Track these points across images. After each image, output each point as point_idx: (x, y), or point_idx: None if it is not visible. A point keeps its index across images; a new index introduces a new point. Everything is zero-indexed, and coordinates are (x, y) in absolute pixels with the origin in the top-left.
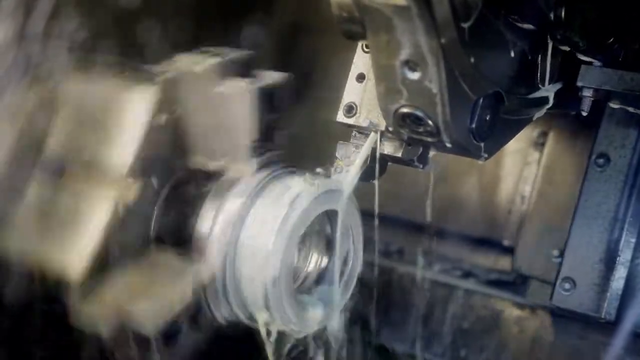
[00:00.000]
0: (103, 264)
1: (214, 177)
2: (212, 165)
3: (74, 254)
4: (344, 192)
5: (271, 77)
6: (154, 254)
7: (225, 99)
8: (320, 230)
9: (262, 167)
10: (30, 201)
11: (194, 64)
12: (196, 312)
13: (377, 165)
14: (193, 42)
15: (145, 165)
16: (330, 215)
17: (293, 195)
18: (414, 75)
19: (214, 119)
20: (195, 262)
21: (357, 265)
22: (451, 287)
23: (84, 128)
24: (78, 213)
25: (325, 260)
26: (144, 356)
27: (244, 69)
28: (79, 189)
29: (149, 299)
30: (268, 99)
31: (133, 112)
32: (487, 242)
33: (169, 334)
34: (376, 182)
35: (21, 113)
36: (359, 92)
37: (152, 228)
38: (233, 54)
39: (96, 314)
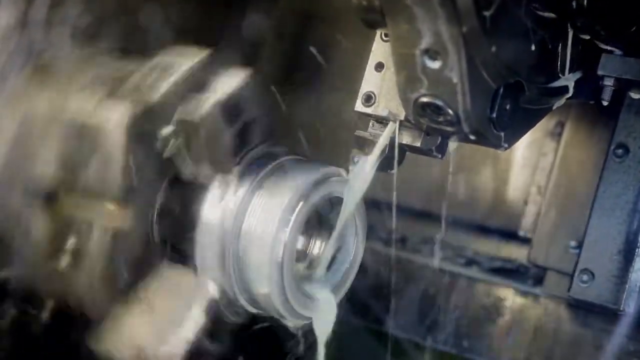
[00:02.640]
0: (112, 292)
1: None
2: (200, 178)
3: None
4: (359, 181)
5: (230, 82)
6: (161, 268)
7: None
8: (323, 217)
9: (246, 170)
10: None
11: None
12: (212, 323)
13: (395, 155)
14: (197, 30)
15: (131, 189)
16: (333, 203)
17: (297, 183)
18: (435, 64)
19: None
20: (202, 276)
21: (359, 251)
22: (461, 276)
23: (68, 150)
24: (76, 244)
25: (328, 248)
26: None
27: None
28: (71, 218)
29: (166, 337)
30: (233, 108)
31: (112, 137)
32: (502, 233)
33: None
34: (394, 172)
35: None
36: (378, 81)
37: (152, 239)
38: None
39: (116, 349)
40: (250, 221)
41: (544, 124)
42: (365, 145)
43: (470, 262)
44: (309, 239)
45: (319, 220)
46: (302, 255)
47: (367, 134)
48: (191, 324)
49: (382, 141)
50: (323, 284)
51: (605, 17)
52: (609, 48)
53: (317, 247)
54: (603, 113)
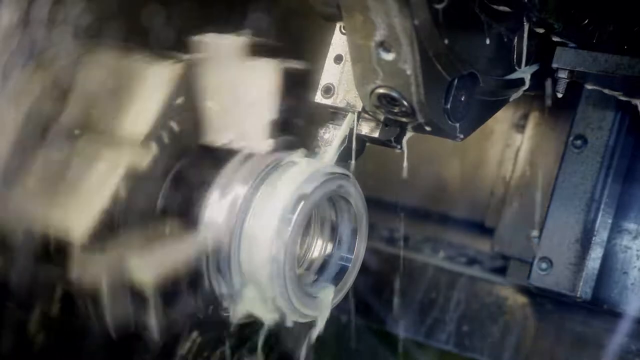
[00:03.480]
0: (108, 227)
1: (227, 156)
2: (227, 144)
3: (80, 213)
4: (349, 177)
5: (292, 63)
6: (159, 223)
7: (252, 75)
8: (324, 217)
9: (275, 149)
10: (40, 164)
11: (223, 42)
12: (197, 281)
13: (354, 146)
14: (198, 27)
15: (160, 137)
16: (334, 202)
17: (298, 182)
18: (389, 56)
19: (238, 96)
20: (198, 234)
21: (360, 251)
22: (431, 266)
23: (102, 100)
24: (88, 176)
25: (329, 247)
26: (140, 313)
27: (267, 53)
28: (91, 153)
29: (148, 254)
30: (290, 83)
31: (153, 86)
32: (469, 224)
33: (168, 295)
34: (352, 162)
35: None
36: (337, 73)
37: (159, 199)
38: (257, 38)
39: (97, 269)
40: (252, 220)
41: (509, 116)
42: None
43: (432, 251)
44: (310, 238)
45: (320, 220)
46: (303, 255)
47: (331, 125)
48: (175, 256)
49: (341, 132)
50: (324, 282)
51: (558, 11)
52: (563, 41)
53: (318, 246)
54: (565, 105)
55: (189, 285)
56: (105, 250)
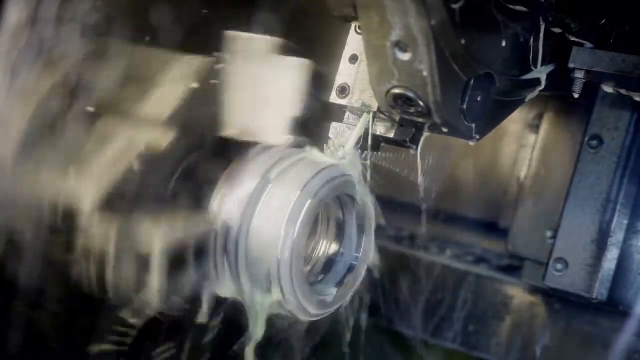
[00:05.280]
0: (118, 198)
1: (241, 150)
2: (246, 137)
3: (91, 183)
4: (355, 177)
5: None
6: (169, 205)
7: (279, 73)
8: (331, 216)
9: (291, 146)
10: (58, 140)
11: (251, 39)
12: (202, 257)
13: (369, 146)
14: (209, 26)
15: (181, 123)
16: (342, 201)
17: (306, 180)
18: (405, 57)
19: (263, 91)
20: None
21: (368, 251)
22: (444, 267)
23: (124, 86)
24: (104, 150)
25: (336, 246)
26: (143, 275)
27: (291, 53)
28: (110, 130)
29: (157, 224)
30: (312, 83)
31: (178, 76)
32: (483, 224)
33: (173, 260)
34: (368, 162)
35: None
36: (352, 73)
37: (172, 183)
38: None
39: (104, 236)
40: (259, 221)
41: (524, 116)
42: (340, 136)
43: (443, 251)
44: (317, 237)
45: (327, 219)
46: (309, 253)
47: (343, 124)
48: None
49: (356, 132)
50: (331, 282)
51: (575, 11)
52: (579, 41)
53: (325, 245)
54: (580, 106)
55: (194, 265)
56: (114, 219)
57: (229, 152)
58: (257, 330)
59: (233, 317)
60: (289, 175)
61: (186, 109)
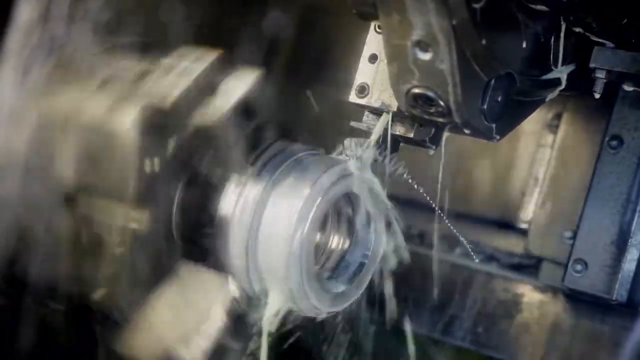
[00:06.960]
0: (133, 293)
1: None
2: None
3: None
4: (360, 173)
5: (240, 84)
6: (182, 267)
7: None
8: (341, 213)
9: (264, 167)
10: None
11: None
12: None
13: (388, 146)
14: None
15: (149, 191)
16: (352, 198)
17: (314, 179)
18: (426, 56)
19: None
20: (224, 275)
21: (378, 248)
22: (461, 268)
23: (83, 153)
24: (97, 244)
25: (346, 243)
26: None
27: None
28: (92, 218)
29: (190, 336)
30: (244, 109)
31: (126, 140)
32: (500, 224)
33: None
34: (387, 162)
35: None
36: (372, 73)
37: (172, 238)
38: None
39: (139, 350)
40: (269, 217)
41: (542, 116)
42: (359, 135)
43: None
44: (327, 234)
45: (337, 216)
46: (320, 251)
47: (362, 124)
48: (214, 323)
49: (375, 132)
50: (341, 279)
51: (596, 10)
52: (600, 41)
53: (335, 242)
54: (599, 105)
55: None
56: (143, 317)
57: (235, 152)
58: (268, 328)
59: (243, 314)
60: (298, 174)
61: (147, 173)
